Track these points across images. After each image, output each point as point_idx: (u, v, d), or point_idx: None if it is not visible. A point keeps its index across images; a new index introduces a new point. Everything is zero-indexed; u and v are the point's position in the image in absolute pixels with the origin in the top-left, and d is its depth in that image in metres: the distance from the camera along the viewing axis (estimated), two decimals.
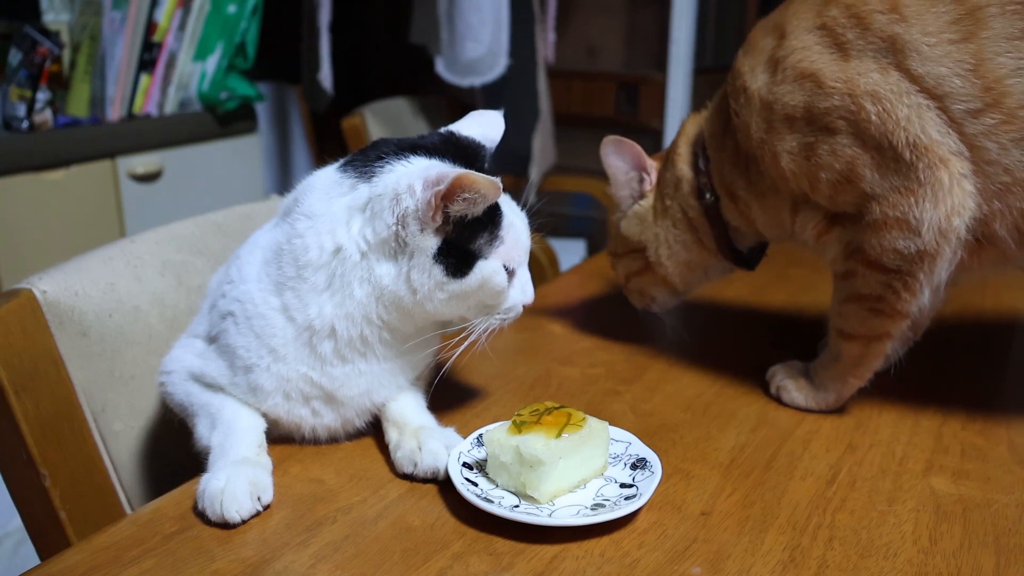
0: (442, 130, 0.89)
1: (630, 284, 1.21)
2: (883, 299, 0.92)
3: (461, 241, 0.81)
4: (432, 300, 0.82)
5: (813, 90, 0.90)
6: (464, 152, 0.87)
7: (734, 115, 1.00)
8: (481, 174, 0.77)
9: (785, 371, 1.03)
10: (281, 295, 0.84)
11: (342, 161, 0.86)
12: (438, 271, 0.80)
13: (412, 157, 0.83)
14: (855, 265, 0.93)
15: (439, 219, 0.78)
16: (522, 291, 0.88)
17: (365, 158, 0.84)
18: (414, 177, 0.78)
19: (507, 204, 0.86)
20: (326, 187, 0.85)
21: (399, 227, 0.79)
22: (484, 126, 0.91)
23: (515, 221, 0.86)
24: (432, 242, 0.80)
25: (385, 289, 0.82)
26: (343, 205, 0.82)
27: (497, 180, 0.78)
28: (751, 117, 0.97)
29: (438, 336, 0.92)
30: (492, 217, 0.82)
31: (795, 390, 1.01)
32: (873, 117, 0.86)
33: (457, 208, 0.78)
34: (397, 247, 0.81)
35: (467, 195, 0.77)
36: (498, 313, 0.87)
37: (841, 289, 0.98)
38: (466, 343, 0.86)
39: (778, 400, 1.01)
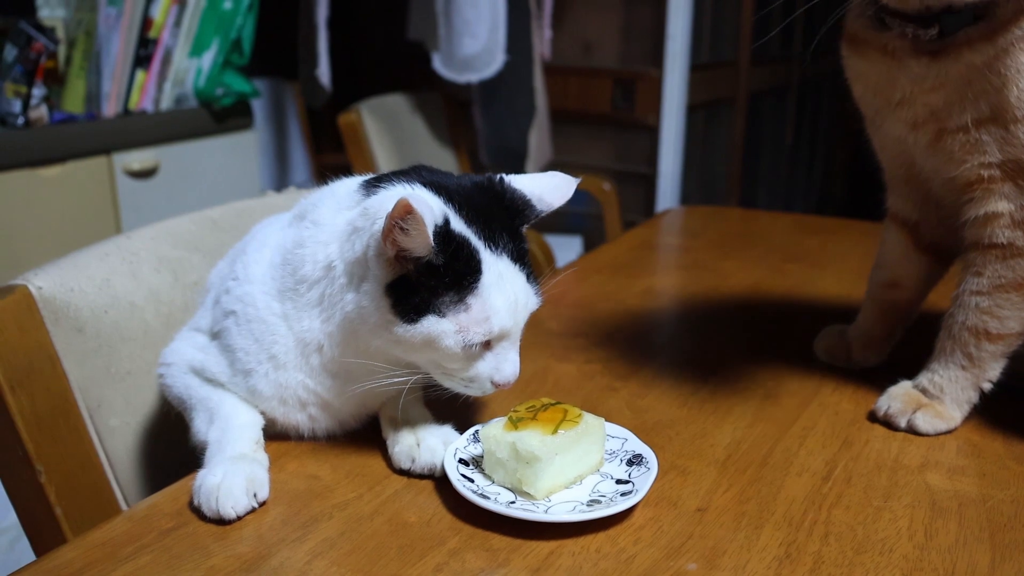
0: (494, 175, 0.84)
1: None
2: None
3: (420, 287, 0.75)
4: (379, 337, 0.78)
5: None
6: (499, 203, 0.81)
7: None
8: (424, 202, 0.71)
9: (903, 402, 0.93)
10: (283, 303, 0.84)
11: (372, 176, 0.85)
12: (385, 306, 0.76)
13: (417, 186, 0.79)
14: None
15: (391, 249, 0.74)
16: (495, 368, 0.79)
17: (384, 176, 0.83)
18: (394, 200, 0.72)
19: (500, 278, 0.77)
20: (340, 198, 0.84)
21: (367, 249, 0.77)
22: (545, 187, 0.84)
23: (495, 296, 0.76)
24: (386, 273, 0.76)
25: (348, 312, 0.79)
26: (345, 219, 0.81)
27: (429, 216, 0.70)
28: None
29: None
30: (462, 278, 0.75)
31: (931, 417, 0.91)
32: None
33: (400, 239, 0.72)
34: (364, 271, 0.78)
35: (402, 223, 0.70)
36: (460, 379, 0.80)
37: (995, 274, 0.85)
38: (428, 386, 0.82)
39: (913, 432, 0.92)
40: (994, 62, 0.81)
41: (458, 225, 0.76)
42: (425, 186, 0.80)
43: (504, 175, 0.84)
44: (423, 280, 0.75)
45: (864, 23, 0.89)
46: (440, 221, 0.74)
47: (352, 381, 0.83)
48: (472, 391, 0.81)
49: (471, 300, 0.76)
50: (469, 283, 0.75)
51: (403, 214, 0.70)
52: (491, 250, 0.77)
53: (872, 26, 0.88)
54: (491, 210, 0.80)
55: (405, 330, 0.76)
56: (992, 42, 0.81)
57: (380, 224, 0.74)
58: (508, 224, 0.81)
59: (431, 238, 0.71)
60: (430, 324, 0.75)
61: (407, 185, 0.80)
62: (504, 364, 0.80)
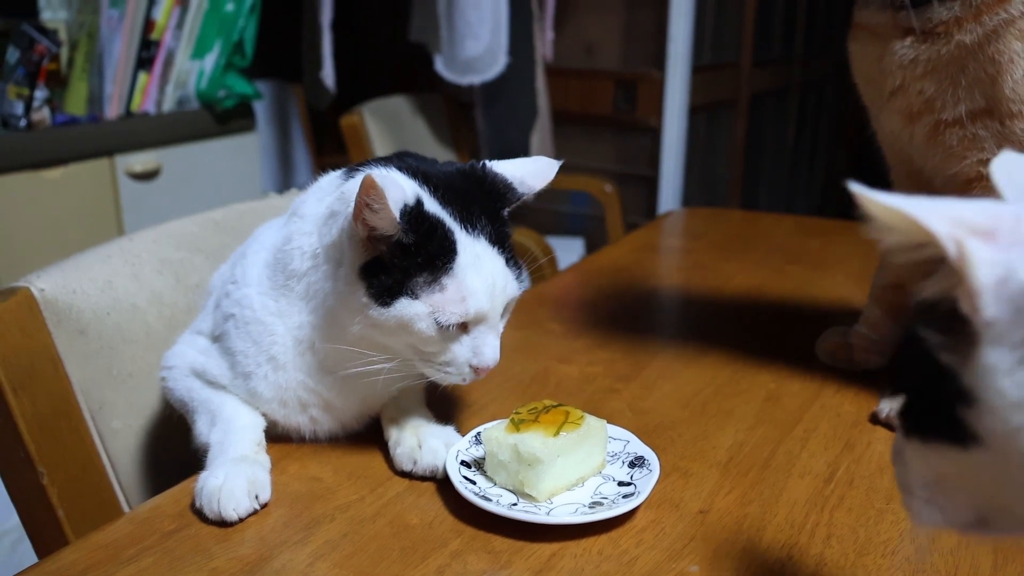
0: (476, 162, 0.84)
1: None
2: None
3: (393, 268, 0.75)
4: (358, 323, 0.77)
5: None
6: (479, 187, 0.81)
7: None
8: (390, 179, 0.72)
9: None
10: (277, 301, 0.84)
11: (354, 164, 0.85)
12: (360, 289, 0.76)
13: (393, 169, 0.79)
14: None
15: (362, 229, 0.74)
16: (473, 351, 0.78)
17: (366, 163, 0.83)
18: None
19: (478, 259, 0.77)
20: (323, 187, 0.85)
21: (342, 233, 0.77)
22: (527, 171, 0.83)
23: (471, 277, 0.75)
24: (359, 254, 0.76)
25: (329, 300, 0.80)
26: (325, 205, 0.82)
27: (395, 193, 0.71)
28: None
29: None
30: (435, 257, 0.74)
31: None
32: None
33: (370, 217, 0.72)
34: (340, 255, 0.78)
35: (369, 199, 0.70)
36: (437, 363, 0.79)
37: None
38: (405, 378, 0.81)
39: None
40: (985, 45, 0.81)
41: (432, 206, 0.76)
42: (402, 169, 0.80)
43: (487, 161, 0.84)
44: (396, 261, 0.75)
45: (862, 2, 0.90)
46: (411, 201, 0.74)
47: (348, 375, 0.82)
48: (452, 378, 0.80)
49: (446, 280, 0.75)
50: (443, 263, 0.75)
51: (368, 191, 0.70)
52: (468, 232, 0.77)
53: (869, 3, 0.88)
54: (471, 193, 0.80)
55: (380, 313, 0.75)
56: (979, 21, 0.81)
57: (351, 207, 0.74)
58: (488, 207, 0.80)
59: (396, 215, 0.71)
60: (403, 307, 0.75)
61: (384, 168, 0.80)
62: (483, 348, 0.79)
